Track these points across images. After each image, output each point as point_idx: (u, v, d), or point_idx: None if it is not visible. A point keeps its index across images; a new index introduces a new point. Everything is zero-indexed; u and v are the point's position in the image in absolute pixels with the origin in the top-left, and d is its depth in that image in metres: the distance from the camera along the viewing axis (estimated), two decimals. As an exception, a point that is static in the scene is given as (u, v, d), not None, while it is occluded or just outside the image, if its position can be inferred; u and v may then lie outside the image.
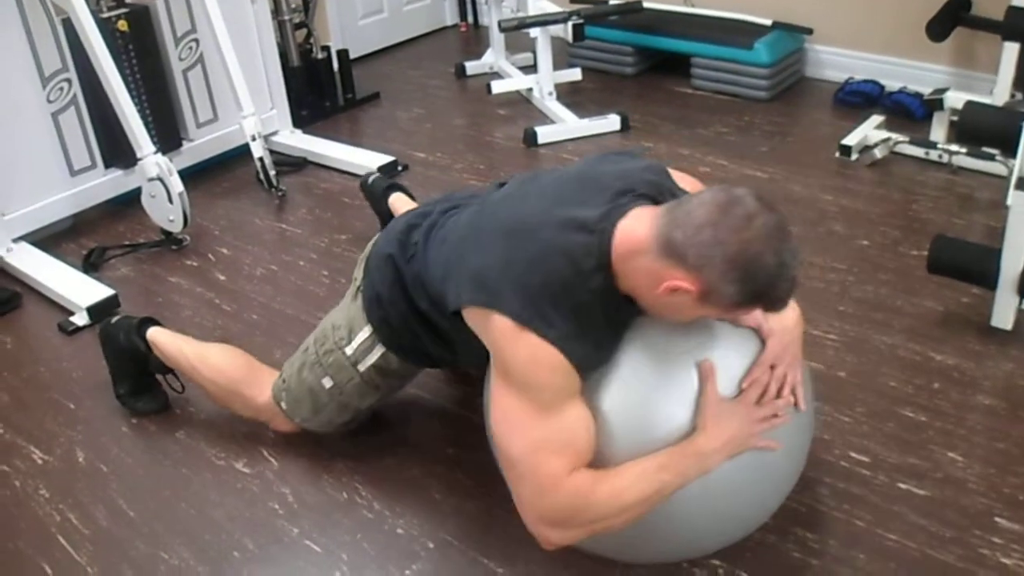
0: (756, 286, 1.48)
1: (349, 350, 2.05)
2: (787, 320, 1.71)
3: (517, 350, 1.57)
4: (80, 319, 2.84)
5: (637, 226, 1.58)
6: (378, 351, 2.04)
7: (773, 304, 1.54)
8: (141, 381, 2.43)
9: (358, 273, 2.12)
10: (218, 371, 2.27)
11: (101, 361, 2.45)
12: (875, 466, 2.09)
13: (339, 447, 2.26)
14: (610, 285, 1.60)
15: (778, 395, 1.66)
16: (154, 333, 2.36)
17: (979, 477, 2.05)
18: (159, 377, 2.43)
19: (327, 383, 2.08)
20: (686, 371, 1.64)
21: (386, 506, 2.09)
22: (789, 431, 1.68)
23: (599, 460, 1.60)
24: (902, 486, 2.04)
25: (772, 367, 1.67)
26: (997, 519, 1.94)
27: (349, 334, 2.05)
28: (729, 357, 1.66)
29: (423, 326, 1.95)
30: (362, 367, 2.05)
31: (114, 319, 2.44)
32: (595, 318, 1.60)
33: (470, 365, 2.16)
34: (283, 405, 2.15)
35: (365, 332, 2.03)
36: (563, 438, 1.56)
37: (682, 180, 1.85)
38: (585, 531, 1.60)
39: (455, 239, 1.83)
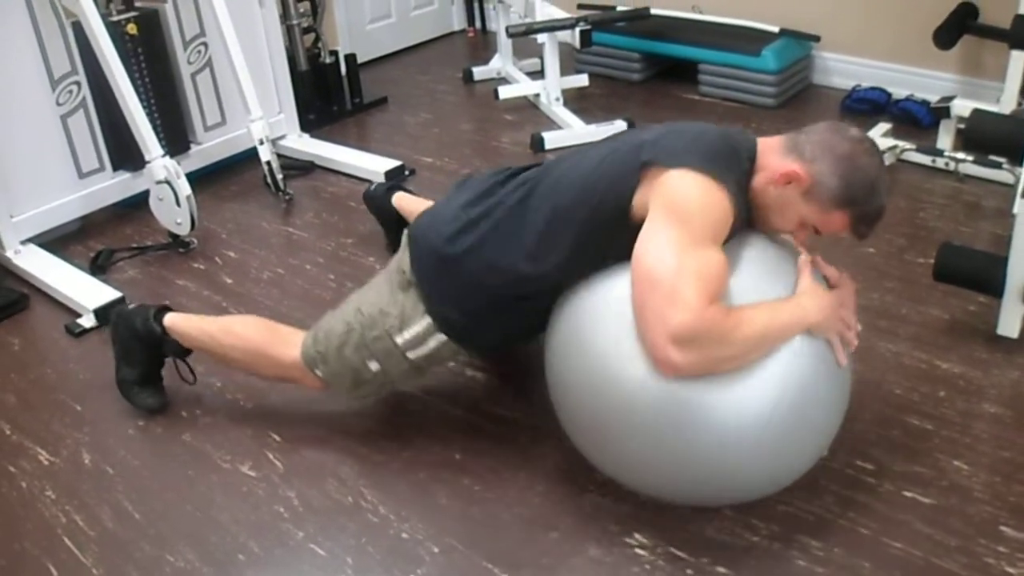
0: (855, 189, 1.78)
1: (400, 340, 2.07)
2: (848, 280, 1.91)
3: (694, 186, 1.74)
4: (87, 321, 2.85)
5: (768, 139, 1.90)
6: (433, 342, 2.08)
7: (863, 216, 1.82)
8: (150, 370, 2.43)
9: (404, 265, 2.12)
10: (241, 337, 2.29)
11: (108, 363, 2.46)
12: (880, 474, 2.09)
13: (345, 451, 2.27)
14: (749, 182, 1.84)
15: None
16: (171, 318, 2.37)
17: (985, 486, 2.05)
18: (172, 362, 2.43)
19: (373, 366, 2.11)
20: (788, 266, 1.84)
21: (391, 510, 2.09)
22: (835, 381, 1.84)
23: None
24: (907, 494, 2.04)
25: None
26: (1003, 528, 1.93)
27: (401, 324, 2.07)
28: None
29: (507, 302, 2.02)
30: (412, 355, 2.09)
31: (131, 305, 2.45)
32: (742, 196, 1.81)
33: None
34: (319, 372, 2.17)
35: (421, 324, 2.06)
36: (710, 270, 1.69)
37: None
38: (708, 358, 1.67)
39: (580, 170, 1.96)
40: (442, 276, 2.05)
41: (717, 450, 1.74)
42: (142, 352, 2.40)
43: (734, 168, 1.80)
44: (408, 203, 2.94)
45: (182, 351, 2.40)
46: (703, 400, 1.71)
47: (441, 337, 2.07)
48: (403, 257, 2.13)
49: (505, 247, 1.98)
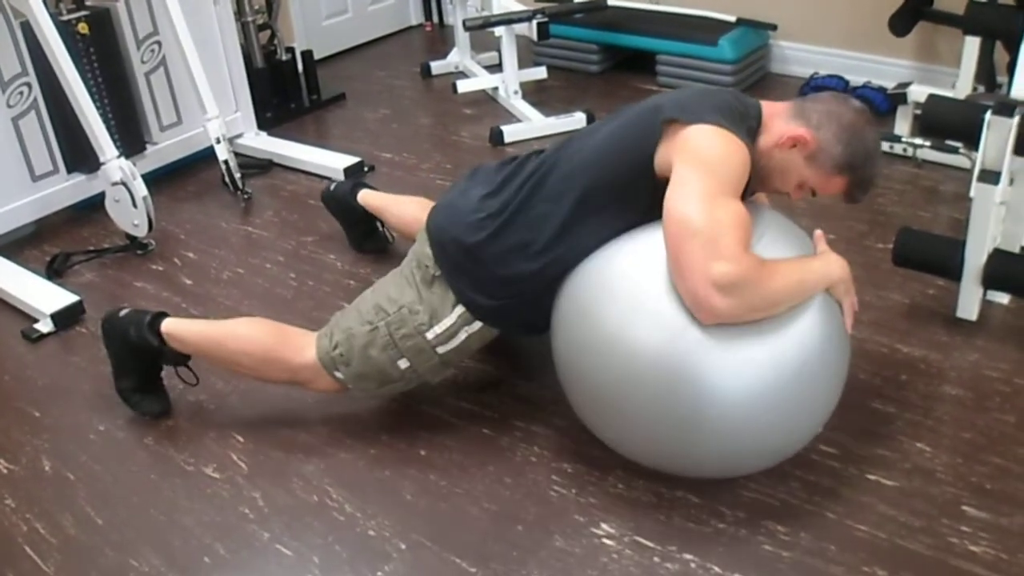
0: (855, 156, 1.91)
1: (431, 335, 2.10)
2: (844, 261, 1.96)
3: (718, 140, 1.83)
4: (44, 326, 2.80)
5: (773, 104, 2.02)
6: (463, 334, 2.11)
7: (860, 183, 1.97)
8: (148, 377, 2.38)
9: (426, 260, 2.12)
10: (248, 340, 2.24)
11: (66, 368, 2.43)
12: (844, 458, 2.11)
13: (309, 450, 2.25)
14: (754, 142, 1.93)
15: None
16: (169, 325, 2.30)
17: (947, 467, 2.07)
18: (171, 369, 2.37)
19: (403, 364, 2.13)
20: (801, 239, 1.95)
21: (357, 508, 2.08)
22: (839, 352, 1.91)
23: None
24: (871, 477, 2.05)
25: None
26: (965, 508, 1.95)
27: (431, 320, 2.09)
28: None
29: (535, 285, 2.04)
30: (442, 350, 2.12)
31: (121, 312, 2.36)
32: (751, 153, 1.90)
33: None
34: (339, 375, 2.16)
35: (451, 318, 2.09)
36: (741, 219, 1.76)
37: None
38: (746, 305, 1.73)
39: (595, 144, 2.05)
40: (469, 265, 2.06)
41: (719, 418, 1.78)
42: (137, 362, 2.35)
43: (745, 127, 1.89)
44: (374, 199, 2.93)
45: (181, 358, 2.34)
46: (706, 367, 1.75)
47: (470, 328, 2.09)
48: (423, 252, 2.14)
49: (530, 232, 2.02)
